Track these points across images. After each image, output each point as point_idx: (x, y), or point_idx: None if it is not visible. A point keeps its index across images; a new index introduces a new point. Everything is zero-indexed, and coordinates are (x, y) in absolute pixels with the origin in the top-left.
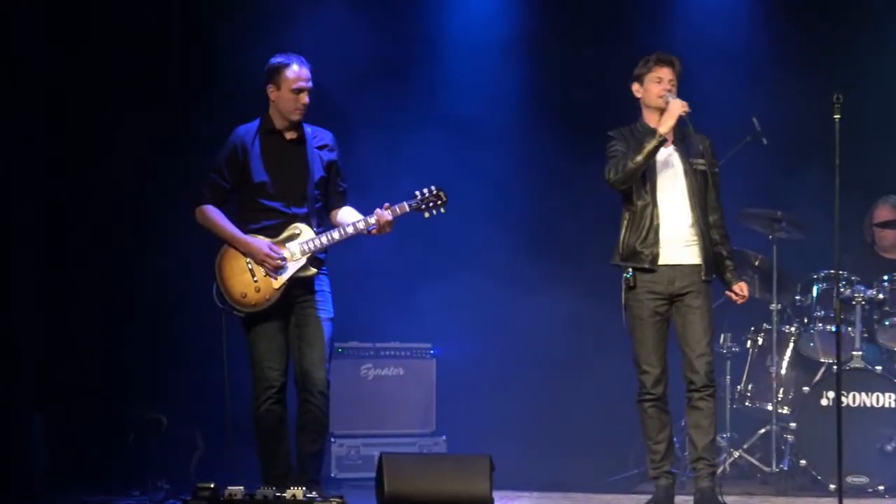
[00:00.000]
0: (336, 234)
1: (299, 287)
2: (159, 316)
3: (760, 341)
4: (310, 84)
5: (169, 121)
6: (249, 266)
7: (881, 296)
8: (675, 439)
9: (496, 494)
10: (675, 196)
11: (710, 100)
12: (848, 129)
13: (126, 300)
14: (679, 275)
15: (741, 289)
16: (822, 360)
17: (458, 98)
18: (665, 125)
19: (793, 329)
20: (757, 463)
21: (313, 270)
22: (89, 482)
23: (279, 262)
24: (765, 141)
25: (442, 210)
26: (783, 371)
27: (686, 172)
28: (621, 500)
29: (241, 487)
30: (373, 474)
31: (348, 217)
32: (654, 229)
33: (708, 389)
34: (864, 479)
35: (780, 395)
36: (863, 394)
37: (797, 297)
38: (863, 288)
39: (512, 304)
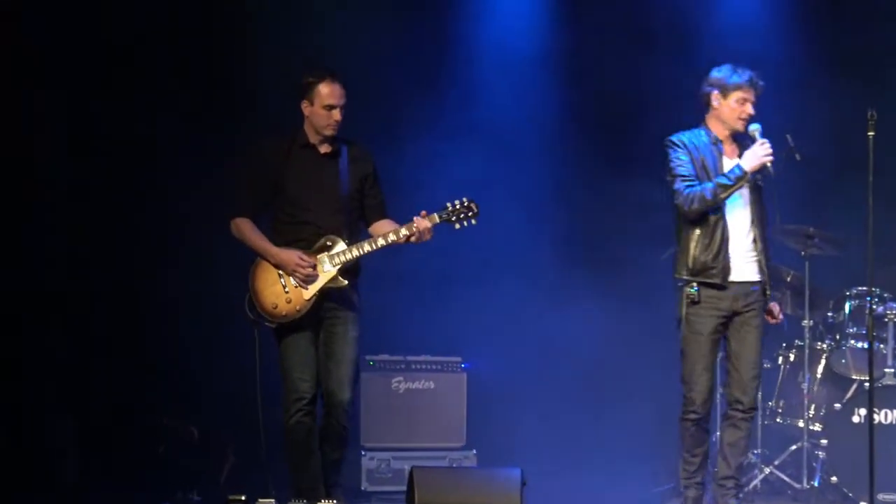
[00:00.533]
0: (367, 246)
1: (330, 299)
2: (193, 326)
3: (792, 358)
4: (342, 101)
5: (205, 128)
6: (281, 278)
7: None
8: None
9: None
10: (741, 211)
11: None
12: (882, 146)
13: (159, 310)
14: (743, 292)
15: (775, 308)
16: (853, 376)
17: (491, 108)
18: (752, 166)
19: (825, 346)
20: (788, 480)
21: (345, 282)
22: (119, 492)
23: (310, 271)
24: (798, 157)
25: (473, 222)
26: (815, 388)
27: (749, 187)
28: None
29: (273, 500)
30: (403, 488)
31: (385, 230)
32: (724, 245)
33: (753, 412)
34: (895, 497)
35: (812, 412)
36: (895, 411)
37: (829, 314)
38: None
39: (543, 318)
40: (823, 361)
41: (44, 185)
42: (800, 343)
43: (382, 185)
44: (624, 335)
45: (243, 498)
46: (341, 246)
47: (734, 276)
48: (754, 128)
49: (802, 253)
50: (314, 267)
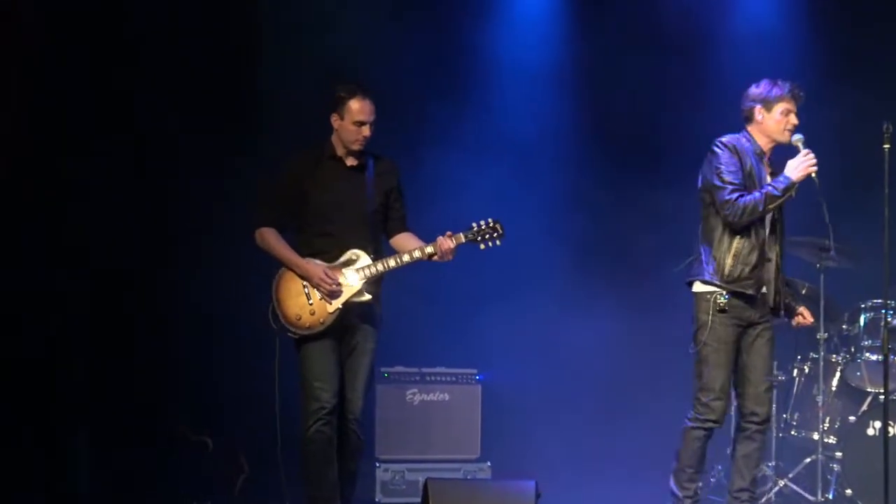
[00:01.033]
0: (392, 262)
1: (353, 313)
2: (209, 336)
3: (807, 370)
4: (372, 117)
5: (227, 139)
6: (306, 289)
7: None
8: (720, 467)
9: None
10: (775, 228)
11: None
12: None
13: (175, 319)
14: (761, 303)
15: (806, 311)
16: (868, 389)
17: (510, 120)
18: (799, 176)
19: (839, 358)
20: (802, 492)
21: (368, 297)
22: (133, 501)
23: (335, 286)
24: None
25: (498, 242)
26: (830, 400)
27: None
28: None
29: None
30: (417, 499)
31: (407, 244)
32: (763, 257)
33: (767, 423)
34: None
35: (827, 425)
36: None
37: (844, 327)
38: None
39: (558, 329)
40: (838, 374)
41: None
42: (815, 356)
43: (406, 198)
44: (638, 346)
45: None
46: (366, 260)
47: (763, 290)
48: (797, 138)
49: (817, 265)
50: (339, 283)
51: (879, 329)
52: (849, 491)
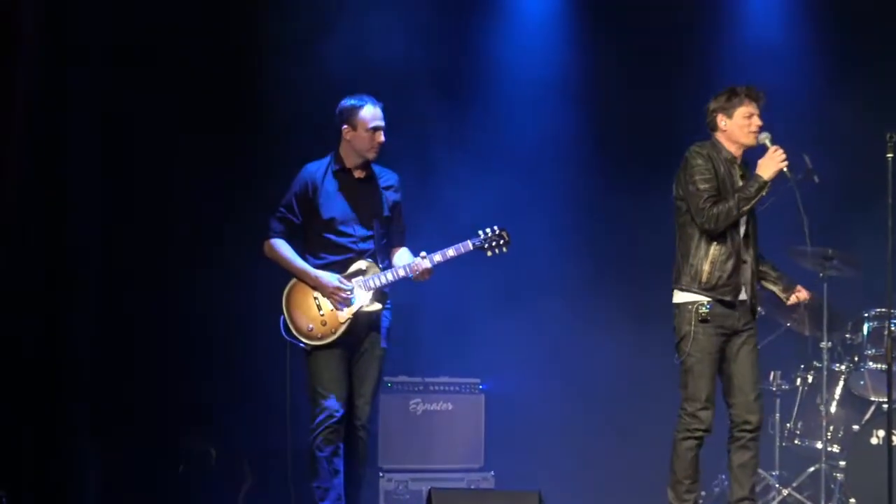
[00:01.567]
0: (390, 275)
1: (364, 322)
2: (213, 346)
3: (810, 379)
4: (384, 123)
5: (233, 148)
6: (317, 299)
7: None
8: (723, 476)
9: None
10: (748, 231)
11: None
12: None
13: (181, 330)
14: (742, 310)
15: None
16: (872, 398)
17: (516, 129)
18: (770, 174)
19: (843, 367)
20: (806, 501)
21: (379, 306)
22: None
23: (347, 295)
24: (816, 179)
25: (504, 250)
26: (833, 409)
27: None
28: None
29: None
30: None
31: (402, 259)
32: (738, 262)
33: (759, 431)
34: None
35: (830, 434)
36: None
37: (848, 336)
38: None
39: (562, 339)
40: (842, 383)
41: (77, 202)
42: (818, 364)
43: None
44: (643, 355)
45: None
46: (374, 270)
47: (742, 295)
48: (765, 136)
49: (821, 274)
50: (350, 292)
51: (883, 338)
52: (852, 500)
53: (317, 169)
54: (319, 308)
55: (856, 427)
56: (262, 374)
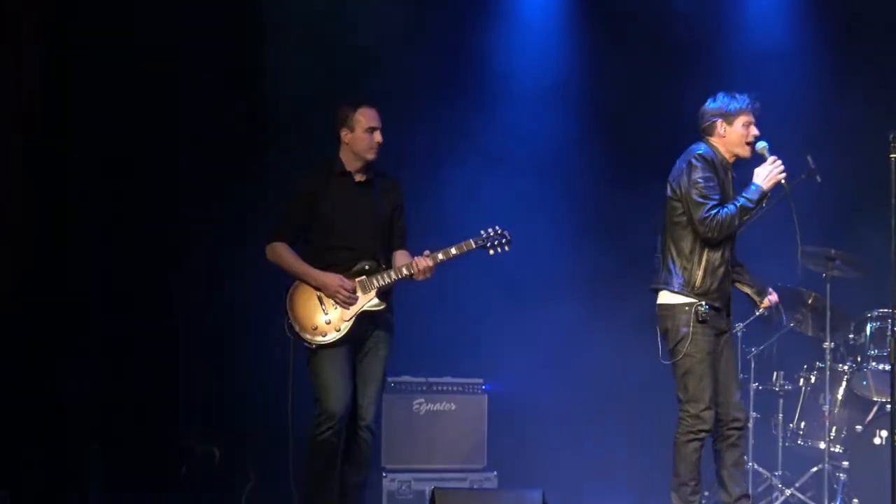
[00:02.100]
0: (393, 275)
1: (368, 321)
2: (215, 347)
3: (813, 379)
4: (381, 124)
5: (234, 153)
6: (320, 300)
7: None
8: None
9: None
10: (732, 236)
11: (763, 137)
12: None
13: (183, 331)
14: (727, 311)
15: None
16: (875, 398)
17: (522, 131)
18: (769, 184)
19: (846, 367)
20: (809, 501)
21: (383, 305)
22: None
23: (349, 295)
24: (819, 179)
25: (507, 248)
26: (836, 409)
27: None
28: None
29: None
30: None
31: (401, 260)
32: (727, 269)
33: (746, 427)
34: None
35: (833, 434)
36: None
37: (850, 336)
38: None
39: (564, 340)
40: (845, 383)
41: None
42: (821, 365)
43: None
44: (645, 356)
45: None
46: (377, 270)
47: (726, 300)
48: (762, 146)
49: (824, 275)
50: (354, 290)
51: (886, 338)
52: (855, 500)
53: (318, 173)
54: (324, 308)
55: (859, 427)
56: (265, 375)
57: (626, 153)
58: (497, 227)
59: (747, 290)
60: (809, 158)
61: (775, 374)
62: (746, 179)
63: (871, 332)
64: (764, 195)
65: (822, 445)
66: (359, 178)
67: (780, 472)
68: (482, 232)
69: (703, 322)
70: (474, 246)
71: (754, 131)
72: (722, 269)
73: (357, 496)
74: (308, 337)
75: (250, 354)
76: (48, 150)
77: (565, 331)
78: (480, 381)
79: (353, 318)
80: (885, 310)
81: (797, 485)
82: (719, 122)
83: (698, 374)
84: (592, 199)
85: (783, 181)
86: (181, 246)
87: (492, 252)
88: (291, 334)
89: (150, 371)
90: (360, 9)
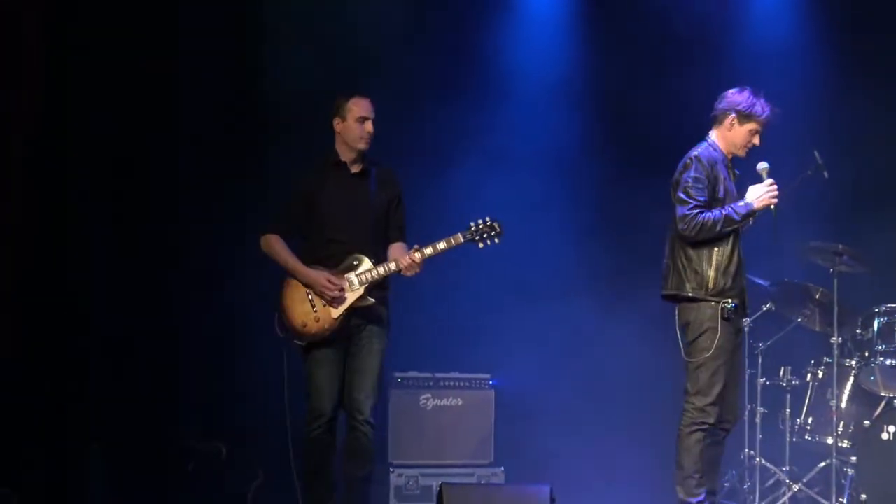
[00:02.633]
0: (382, 269)
1: (358, 317)
2: (220, 344)
3: (821, 375)
4: (373, 114)
5: (234, 153)
6: (309, 296)
7: None
8: (734, 472)
9: None
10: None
11: (770, 133)
12: None
13: (187, 328)
14: (742, 312)
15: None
16: (882, 393)
17: (526, 127)
18: (760, 205)
19: (853, 363)
20: (816, 497)
21: (372, 300)
22: None
23: (338, 292)
24: (826, 174)
25: (496, 241)
26: (843, 405)
27: None
28: None
29: None
30: None
31: (396, 254)
32: (741, 268)
33: (734, 429)
34: None
35: (841, 429)
36: None
37: (858, 331)
38: None
39: (571, 335)
40: (852, 378)
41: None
42: (828, 360)
43: (404, 208)
44: (653, 351)
45: None
46: (367, 265)
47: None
48: (763, 167)
49: (831, 270)
50: (342, 289)
51: (893, 333)
52: (863, 496)
53: (314, 165)
54: (313, 305)
55: (866, 422)
56: (270, 371)
57: (630, 150)
58: (487, 219)
59: None
60: (816, 154)
61: (783, 369)
62: (743, 185)
63: (878, 328)
64: (752, 213)
65: (830, 441)
66: (354, 168)
67: (787, 468)
68: (471, 224)
69: (728, 320)
70: (462, 240)
71: (756, 141)
72: (734, 268)
73: (363, 490)
74: (297, 335)
75: (250, 354)
76: (48, 150)
77: (572, 326)
78: (487, 376)
79: (342, 316)
80: (893, 305)
81: (805, 480)
82: (732, 115)
83: (712, 369)
84: (598, 195)
85: (772, 207)
86: (181, 246)
87: (481, 245)
88: (281, 332)
89: (150, 371)
90: (360, 9)
